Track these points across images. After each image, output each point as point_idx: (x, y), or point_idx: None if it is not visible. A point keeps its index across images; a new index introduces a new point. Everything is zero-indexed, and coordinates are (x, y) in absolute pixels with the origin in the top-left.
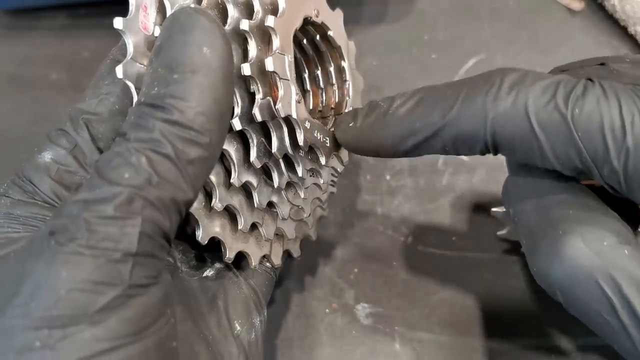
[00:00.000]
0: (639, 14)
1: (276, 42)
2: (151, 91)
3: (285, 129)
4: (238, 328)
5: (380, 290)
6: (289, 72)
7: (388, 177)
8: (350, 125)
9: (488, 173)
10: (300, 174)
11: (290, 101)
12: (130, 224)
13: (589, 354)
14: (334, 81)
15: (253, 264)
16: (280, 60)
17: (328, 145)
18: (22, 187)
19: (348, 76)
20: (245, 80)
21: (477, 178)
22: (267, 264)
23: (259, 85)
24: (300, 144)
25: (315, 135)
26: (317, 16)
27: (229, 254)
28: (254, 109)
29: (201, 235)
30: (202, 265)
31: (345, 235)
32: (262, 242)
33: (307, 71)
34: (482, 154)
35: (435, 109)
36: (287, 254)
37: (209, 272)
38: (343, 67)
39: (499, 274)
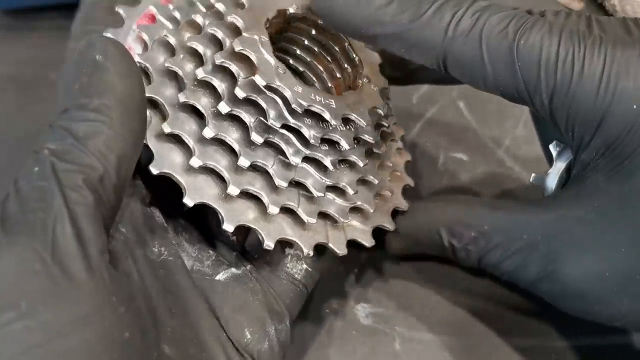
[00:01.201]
0: (639, 14)
1: (239, 23)
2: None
3: (279, 100)
4: (248, 336)
5: (380, 290)
6: (264, 49)
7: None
8: None
9: (488, 173)
10: (309, 137)
11: (269, 71)
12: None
13: (589, 354)
14: (345, 64)
15: (305, 251)
16: (250, 40)
17: (334, 106)
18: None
19: (355, 53)
20: (226, 69)
21: (477, 178)
22: (296, 274)
23: (237, 68)
24: (292, 106)
25: (313, 97)
26: (298, 10)
27: (267, 241)
28: (235, 88)
29: (225, 224)
30: (217, 267)
31: None
32: (314, 228)
33: (323, 70)
34: (431, 66)
35: (408, 11)
36: (355, 245)
37: (222, 276)
38: (347, 47)
39: None
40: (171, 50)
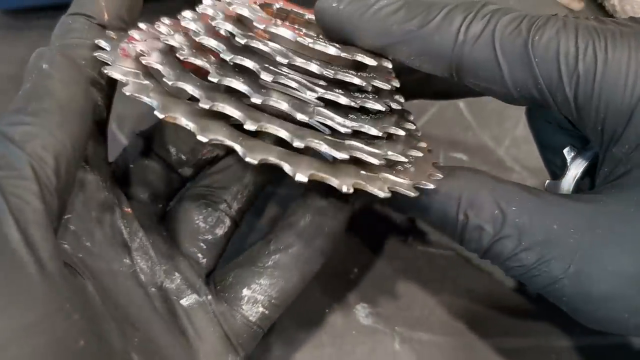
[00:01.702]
0: (638, 14)
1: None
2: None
3: (277, 46)
4: None
5: (380, 290)
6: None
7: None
8: (333, 5)
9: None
10: (319, 72)
11: (263, 19)
12: None
13: (589, 354)
14: None
15: (345, 189)
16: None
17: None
18: None
19: None
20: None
21: None
22: (251, 317)
23: (233, 26)
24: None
25: (299, 29)
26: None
27: (299, 176)
28: (234, 40)
29: (247, 157)
30: (182, 291)
31: (344, 235)
32: (346, 171)
33: None
34: (442, 74)
35: (417, 17)
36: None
37: (185, 301)
38: None
39: (499, 274)
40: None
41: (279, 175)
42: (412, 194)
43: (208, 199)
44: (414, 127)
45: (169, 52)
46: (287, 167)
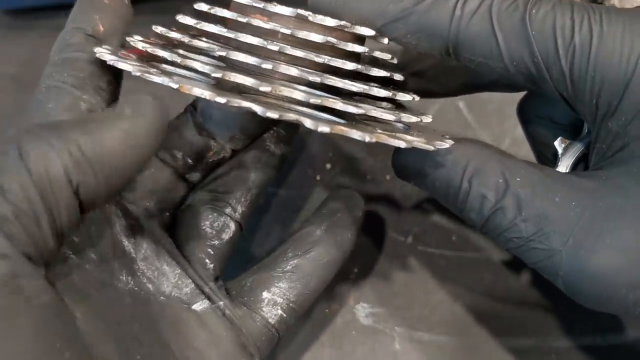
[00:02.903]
0: None
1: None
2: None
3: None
4: None
5: (380, 290)
6: None
7: (388, 177)
8: None
9: None
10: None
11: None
12: None
13: (589, 354)
14: None
15: (367, 138)
16: None
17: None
18: None
19: None
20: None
21: None
22: (271, 319)
23: (238, 13)
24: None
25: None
26: None
27: (321, 127)
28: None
29: (268, 112)
30: (194, 297)
31: None
32: (364, 128)
33: None
34: (439, 53)
35: None
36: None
37: (198, 306)
38: None
39: (499, 274)
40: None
41: (279, 175)
42: (430, 147)
43: (213, 204)
44: (417, 98)
45: (170, 45)
46: (308, 122)
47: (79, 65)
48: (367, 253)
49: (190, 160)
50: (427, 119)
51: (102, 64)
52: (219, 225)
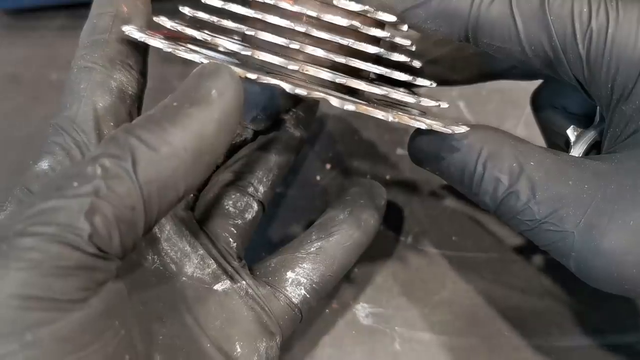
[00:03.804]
0: None
1: None
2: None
3: None
4: (238, 350)
5: (380, 290)
6: None
7: (388, 177)
8: None
9: None
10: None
11: None
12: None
13: (589, 354)
14: None
15: (390, 118)
16: None
17: None
18: (25, 198)
19: None
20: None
21: None
22: (294, 299)
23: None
24: None
25: None
26: None
27: (347, 105)
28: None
29: (297, 89)
30: (217, 277)
31: None
32: (384, 109)
33: None
34: (458, 38)
35: None
36: None
37: (220, 286)
38: None
39: (499, 274)
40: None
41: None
42: (448, 130)
43: (236, 184)
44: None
45: (197, 25)
46: (334, 101)
47: (108, 45)
48: (367, 253)
49: None
50: (444, 105)
51: (130, 43)
52: (242, 205)
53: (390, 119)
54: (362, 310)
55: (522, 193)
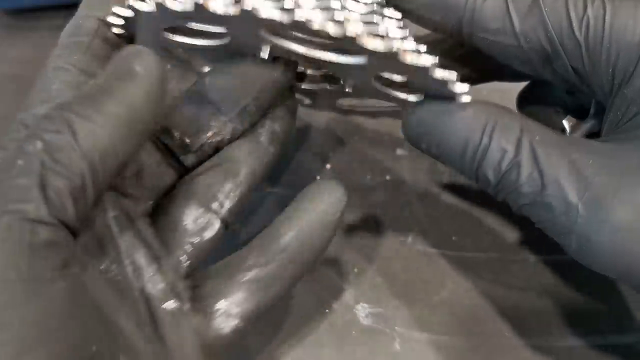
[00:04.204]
0: None
1: None
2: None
3: None
4: None
5: (380, 290)
6: None
7: (388, 177)
8: None
9: None
10: None
11: None
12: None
13: (589, 354)
14: None
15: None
16: None
17: None
18: None
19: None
20: None
21: None
22: (224, 329)
23: None
24: None
25: None
26: None
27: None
28: None
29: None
30: (165, 295)
31: (345, 235)
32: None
33: None
34: (451, 29)
35: None
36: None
37: (166, 307)
38: None
39: (499, 273)
40: None
41: (279, 174)
42: (457, 89)
43: (199, 198)
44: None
45: None
46: (331, 27)
47: (89, 49)
48: (367, 253)
49: (187, 140)
50: (423, 48)
51: (113, 48)
52: (202, 222)
53: (395, 48)
54: (362, 310)
55: (525, 164)
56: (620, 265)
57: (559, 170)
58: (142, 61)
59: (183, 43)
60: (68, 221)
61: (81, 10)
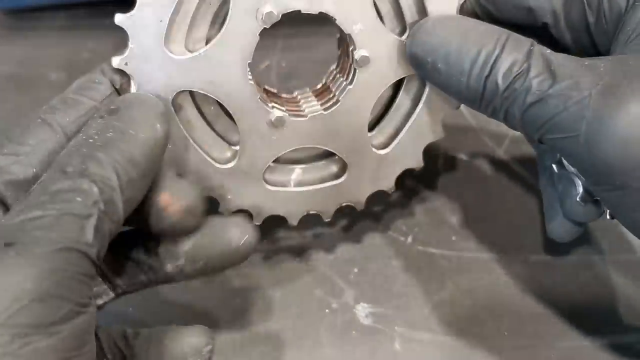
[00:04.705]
0: None
1: None
2: (106, 134)
3: None
4: None
5: (380, 290)
6: None
7: None
8: None
9: (488, 172)
10: None
11: None
12: None
13: (589, 354)
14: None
15: None
16: None
17: None
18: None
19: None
20: None
21: (478, 178)
22: None
23: None
24: None
25: None
26: None
27: None
28: None
29: None
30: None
31: (345, 235)
32: None
33: None
34: None
35: None
36: None
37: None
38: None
39: (499, 274)
40: None
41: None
42: None
43: None
44: None
45: None
46: None
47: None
48: (367, 253)
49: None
50: None
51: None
52: None
53: None
54: (362, 310)
55: (536, 65)
56: (631, 154)
57: (571, 64)
58: (155, 114)
59: None
60: (98, 258)
61: (94, 76)
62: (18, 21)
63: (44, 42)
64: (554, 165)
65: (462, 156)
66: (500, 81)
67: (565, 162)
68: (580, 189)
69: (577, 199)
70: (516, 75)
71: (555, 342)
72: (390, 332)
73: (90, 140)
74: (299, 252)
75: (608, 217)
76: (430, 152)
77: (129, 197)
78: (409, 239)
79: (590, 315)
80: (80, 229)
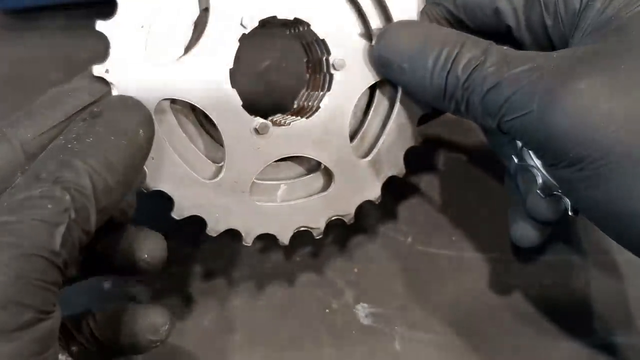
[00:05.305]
0: None
1: None
2: (86, 139)
3: None
4: None
5: (380, 290)
6: None
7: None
8: None
9: (488, 172)
10: None
11: None
12: None
13: (589, 354)
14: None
15: None
16: None
17: None
18: None
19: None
20: None
21: (477, 178)
22: None
23: None
24: None
25: None
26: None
27: None
28: None
29: None
30: None
31: (345, 235)
32: None
33: None
34: None
35: None
36: None
37: None
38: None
39: (499, 274)
40: None
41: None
42: None
43: None
44: None
45: None
46: None
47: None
48: (367, 253)
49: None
50: None
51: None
52: None
53: None
54: (362, 310)
55: (493, 58)
56: (581, 124)
57: (526, 55)
58: (141, 119)
59: None
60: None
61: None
62: (17, 21)
63: (43, 42)
64: (514, 157)
65: (462, 156)
66: (460, 74)
67: (525, 153)
68: (540, 180)
69: (537, 191)
70: (474, 67)
71: (556, 342)
72: (390, 332)
73: (69, 146)
74: (299, 252)
75: (570, 212)
76: (430, 152)
77: (104, 206)
78: (409, 239)
79: (590, 316)
80: (49, 236)
